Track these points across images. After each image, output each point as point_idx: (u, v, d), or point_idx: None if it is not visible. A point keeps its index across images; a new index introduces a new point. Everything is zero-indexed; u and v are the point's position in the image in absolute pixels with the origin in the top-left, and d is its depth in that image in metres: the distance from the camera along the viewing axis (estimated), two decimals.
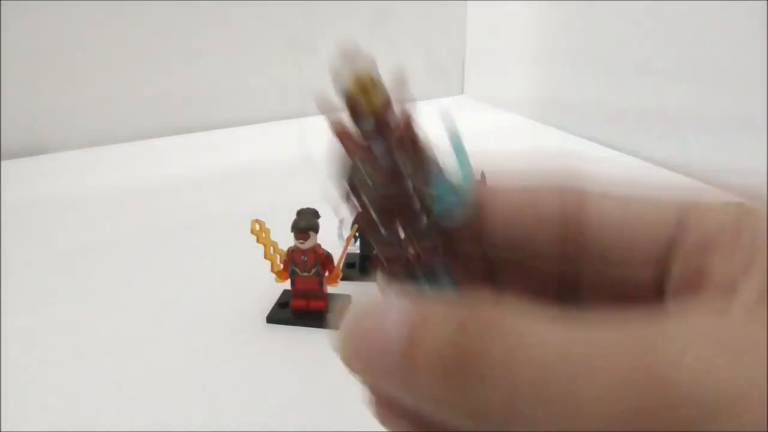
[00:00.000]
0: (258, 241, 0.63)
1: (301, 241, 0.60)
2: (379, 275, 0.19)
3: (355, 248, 0.70)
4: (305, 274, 0.62)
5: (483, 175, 0.70)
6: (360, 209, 0.19)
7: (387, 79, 0.20)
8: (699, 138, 1.00)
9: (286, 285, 0.64)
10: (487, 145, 1.16)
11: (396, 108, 0.19)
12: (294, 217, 0.62)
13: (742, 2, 0.90)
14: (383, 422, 0.19)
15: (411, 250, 0.19)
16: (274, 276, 0.64)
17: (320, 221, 0.62)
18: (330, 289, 0.63)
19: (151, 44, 1.18)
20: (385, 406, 0.19)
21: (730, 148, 0.96)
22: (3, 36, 1.06)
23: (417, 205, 0.19)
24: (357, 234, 0.67)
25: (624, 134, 1.12)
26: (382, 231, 0.19)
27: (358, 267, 0.71)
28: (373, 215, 0.19)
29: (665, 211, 0.19)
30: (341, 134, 0.19)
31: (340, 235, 0.73)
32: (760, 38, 0.89)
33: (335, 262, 0.63)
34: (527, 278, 0.20)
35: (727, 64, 0.95)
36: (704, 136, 1.00)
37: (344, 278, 0.65)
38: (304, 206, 0.63)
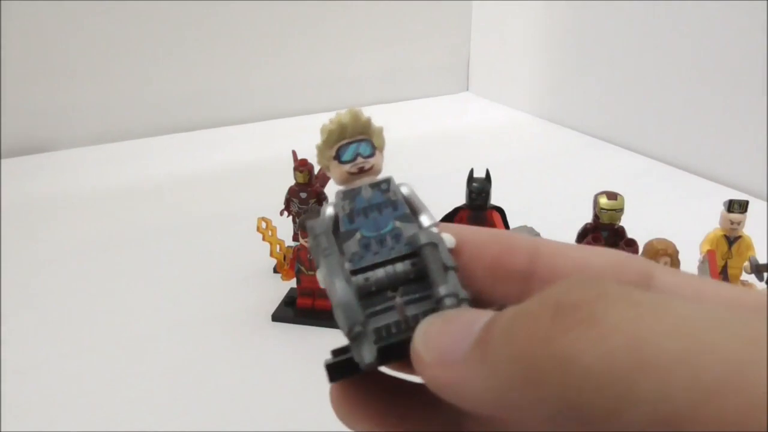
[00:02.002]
0: (264, 239, 0.63)
1: (307, 239, 0.60)
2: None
3: None
4: (311, 272, 0.62)
5: (487, 172, 0.70)
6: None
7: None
8: (699, 137, 1.00)
9: (292, 283, 0.64)
10: (491, 141, 1.15)
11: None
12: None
13: (743, 2, 0.90)
14: (346, 419, 0.20)
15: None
16: (279, 274, 0.64)
17: None
18: None
19: (150, 44, 1.18)
20: (354, 403, 0.20)
21: (734, 146, 0.96)
22: (3, 36, 1.06)
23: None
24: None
25: (627, 131, 1.12)
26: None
27: None
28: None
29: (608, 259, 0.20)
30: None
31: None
32: (760, 38, 0.89)
33: None
34: None
35: (729, 62, 0.94)
36: (704, 135, 1.00)
37: None
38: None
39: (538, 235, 0.59)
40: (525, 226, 0.60)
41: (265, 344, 0.60)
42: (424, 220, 0.21)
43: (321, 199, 0.71)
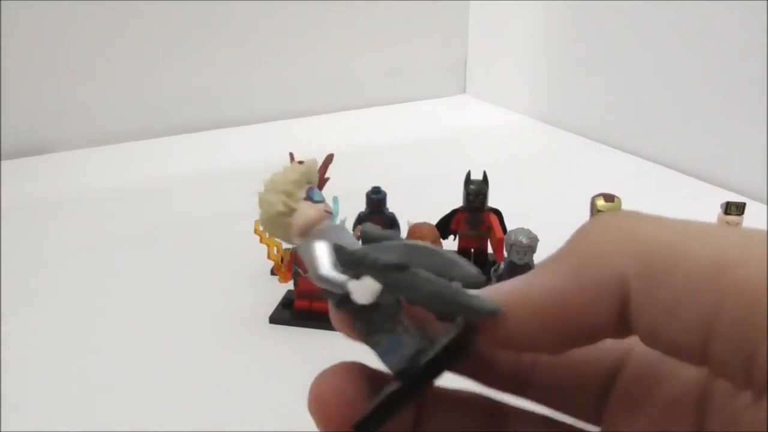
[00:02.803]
0: (261, 241, 0.63)
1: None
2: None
3: None
4: (308, 274, 0.61)
5: (485, 174, 0.70)
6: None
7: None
8: (697, 139, 1.00)
9: (289, 285, 0.64)
10: (489, 144, 1.15)
11: None
12: None
13: (742, 2, 0.90)
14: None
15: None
16: (277, 276, 0.64)
17: None
18: None
19: (151, 44, 1.18)
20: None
21: (730, 148, 0.96)
22: (3, 36, 1.06)
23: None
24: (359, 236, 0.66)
25: (625, 133, 1.12)
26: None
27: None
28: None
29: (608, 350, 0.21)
30: None
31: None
32: (760, 38, 0.89)
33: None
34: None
35: (727, 64, 0.95)
36: (702, 137, 1.00)
37: None
38: None
39: (535, 237, 0.59)
40: (523, 229, 0.60)
41: (263, 346, 0.60)
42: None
43: None
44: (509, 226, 0.67)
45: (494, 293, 0.18)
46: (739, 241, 0.15)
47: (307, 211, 0.23)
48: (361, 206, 0.69)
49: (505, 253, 0.60)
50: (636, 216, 0.17)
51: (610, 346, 0.20)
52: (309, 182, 0.24)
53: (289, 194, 0.23)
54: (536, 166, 1.06)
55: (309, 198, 0.23)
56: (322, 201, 0.23)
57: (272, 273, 0.69)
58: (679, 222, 0.16)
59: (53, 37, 1.10)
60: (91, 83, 1.15)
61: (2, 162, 1.07)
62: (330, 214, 0.23)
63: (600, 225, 0.17)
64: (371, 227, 0.21)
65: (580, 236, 0.18)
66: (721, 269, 0.14)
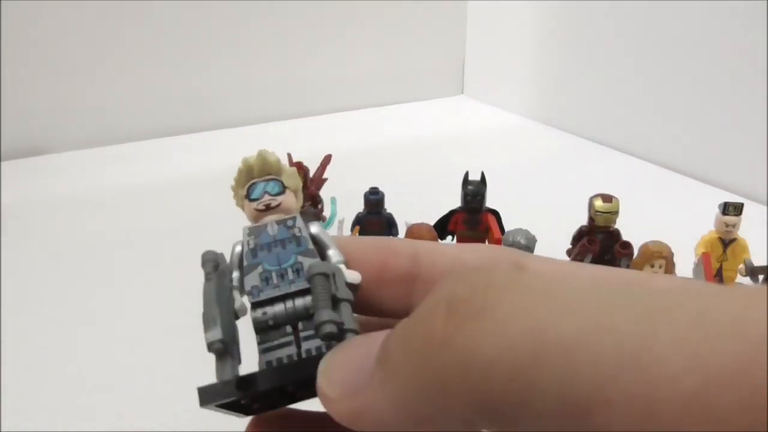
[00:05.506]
0: None
1: None
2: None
3: None
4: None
5: (483, 175, 0.70)
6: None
7: None
8: (695, 140, 1.00)
9: None
10: (487, 144, 1.15)
11: None
12: None
13: (742, 2, 0.90)
14: None
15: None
16: None
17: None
18: None
19: (150, 45, 1.18)
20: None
21: (730, 148, 0.96)
22: (3, 36, 1.06)
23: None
24: (358, 236, 0.66)
25: (623, 134, 1.12)
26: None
27: None
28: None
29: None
30: None
31: (340, 237, 0.73)
32: (760, 38, 0.89)
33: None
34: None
35: (727, 65, 0.95)
36: (700, 138, 1.00)
37: None
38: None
39: (533, 237, 0.59)
40: (521, 229, 0.60)
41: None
42: (332, 255, 0.21)
43: (316, 201, 0.71)
44: (507, 227, 0.67)
45: (335, 380, 0.17)
46: (600, 368, 0.12)
47: (245, 213, 0.23)
48: (360, 207, 0.69)
49: None
50: (477, 313, 0.14)
51: None
52: (252, 179, 0.22)
53: (235, 192, 0.23)
54: (534, 167, 1.06)
55: (247, 195, 0.22)
56: (259, 198, 0.22)
57: None
58: (531, 318, 0.13)
59: (53, 38, 1.10)
60: (91, 84, 1.15)
61: (2, 162, 1.07)
62: (269, 209, 0.22)
63: (442, 331, 0.14)
64: (204, 255, 0.21)
65: (425, 341, 0.14)
66: (584, 411, 0.12)
